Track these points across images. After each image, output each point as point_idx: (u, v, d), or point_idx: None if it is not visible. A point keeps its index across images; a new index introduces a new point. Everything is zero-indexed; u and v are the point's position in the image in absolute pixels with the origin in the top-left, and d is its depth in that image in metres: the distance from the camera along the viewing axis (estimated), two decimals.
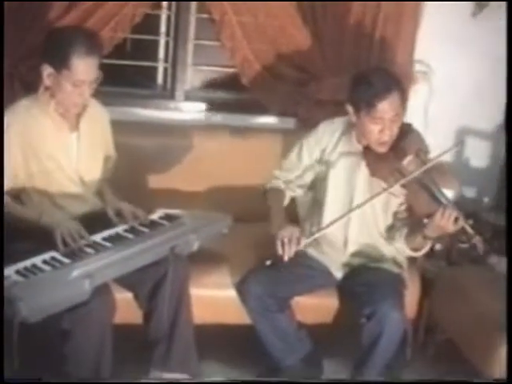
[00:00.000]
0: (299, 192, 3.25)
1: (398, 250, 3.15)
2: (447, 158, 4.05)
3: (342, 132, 3.14)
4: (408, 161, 2.90)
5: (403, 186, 2.90)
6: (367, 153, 3.02)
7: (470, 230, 2.82)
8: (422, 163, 2.88)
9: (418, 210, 2.94)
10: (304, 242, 2.96)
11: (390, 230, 3.13)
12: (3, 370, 2.36)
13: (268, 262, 2.96)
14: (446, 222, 2.78)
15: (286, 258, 2.92)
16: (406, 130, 3.00)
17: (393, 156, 2.95)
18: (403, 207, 3.09)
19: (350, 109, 2.98)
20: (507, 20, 3.79)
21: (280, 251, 2.92)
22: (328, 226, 3.01)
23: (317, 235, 3.02)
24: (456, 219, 2.78)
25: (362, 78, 2.94)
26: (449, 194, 2.86)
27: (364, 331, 2.94)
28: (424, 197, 2.87)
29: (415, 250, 3.06)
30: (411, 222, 3.04)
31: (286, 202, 3.23)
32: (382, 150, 2.96)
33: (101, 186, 3.16)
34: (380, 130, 2.90)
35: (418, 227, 2.95)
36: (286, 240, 2.92)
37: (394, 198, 3.02)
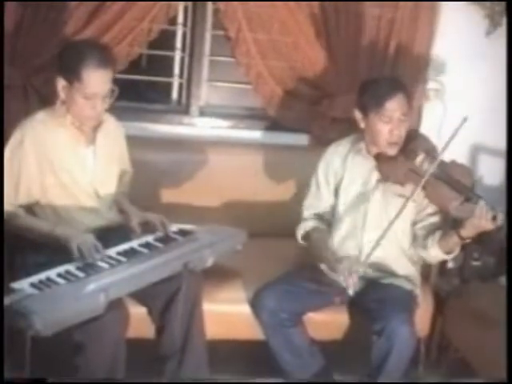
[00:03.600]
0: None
1: (430, 257, 3.14)
2: None
3: (348, 149, 3.21)
4: (421, 159, 2.98)
5: (422, 187, 2.94)
6: (378, 160, 3.10)
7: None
8: (434, 159, 2.94)
9: (440, 204, 3.00)
10: (362, 267, 2.96)
11: (418, 240, 3.13)
12: (3, 370, 2.37)
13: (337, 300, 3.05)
14: (485, 221, 2.83)
15: (354, 290, 2.93)
16: (412, 134, 3.12)
17: (404, 158, 3.04)
18: (423, 214, 3.12)
19: (358, 115, 3.10)
20: (507, 20, 3.82)
21: (345, 284, 2.92)
22: (375, 246, 2.96)
23: (371, 253, 2.96)
24: (494, 217, 2.83)
25: (369, 83, 3.12)
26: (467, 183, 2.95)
27: (374, 347, 2.94)
28: (444, 190, 2.93)
29: (448, 252, 3.07)
30: (442, 224, 3.08)
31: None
32: (392, 152, 3.05)
33: (118, 199, 3.17)
34: (389, 129, 3.01)
35: (451, 229, 2.98)
36: (347, 273, 2.92)
37: (409, 207, 3.03)
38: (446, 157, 2.99)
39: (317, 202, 3.26)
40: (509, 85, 3.74)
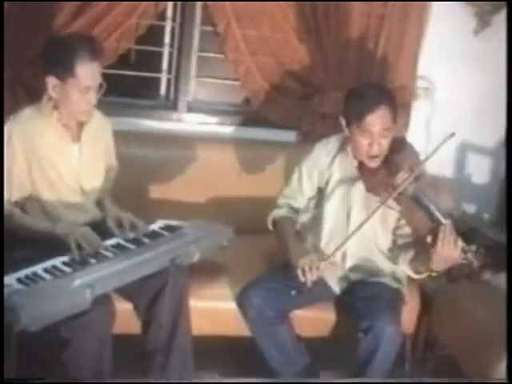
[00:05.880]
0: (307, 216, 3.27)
1: (400, 269, 3.14)
2: (448, 173, 4.09)
3: (337, 149, 3.16)
4: (401, 177, 2.89)
5: (398, 200, 2.88)
6: (362, 168, 3.03)
7: (466, 249, 2.79)
8: (416, 178, 2.87)
9: (413, 227, 2.95)
10: (323, 265, 2.93)
11: (393, 250, 3.12)
12: (3, 370, 2.35)
13: (293, 293, 2.93)
14: (448, 248, 2.74)
15: (309, 284, 2.91)
16: (399, 145, 3.02)
17: (386, 171, 2.95)
18: (403, 222, 3.07)
19: (343, 122, 3.02)
20: (507, 20, 3.83)
21: (303, 279, 2.91)
22: (341, 244, 2.96)
23: (332, 254, 2.97)
24: (455, 241, 2.74)
25: (354, 92, 3.01)
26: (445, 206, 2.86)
27: (360, 345, 2.94)
28: (419, 213, 2.86)
29: (418, 273, 3.03)
30: (417, 245, 3.00)
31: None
32: (373, 164, 2.97)
33: (102, 195, 3.16)
34: (369, 143, 2.92)
35: (424, 256, 2.88)
36: (307, 268, 2.91)
37: (392, 212, 3.00)
38: (435, 156, 2.97)
39: (295, 195, 3.23)
40: (509, 85, 3.74)
